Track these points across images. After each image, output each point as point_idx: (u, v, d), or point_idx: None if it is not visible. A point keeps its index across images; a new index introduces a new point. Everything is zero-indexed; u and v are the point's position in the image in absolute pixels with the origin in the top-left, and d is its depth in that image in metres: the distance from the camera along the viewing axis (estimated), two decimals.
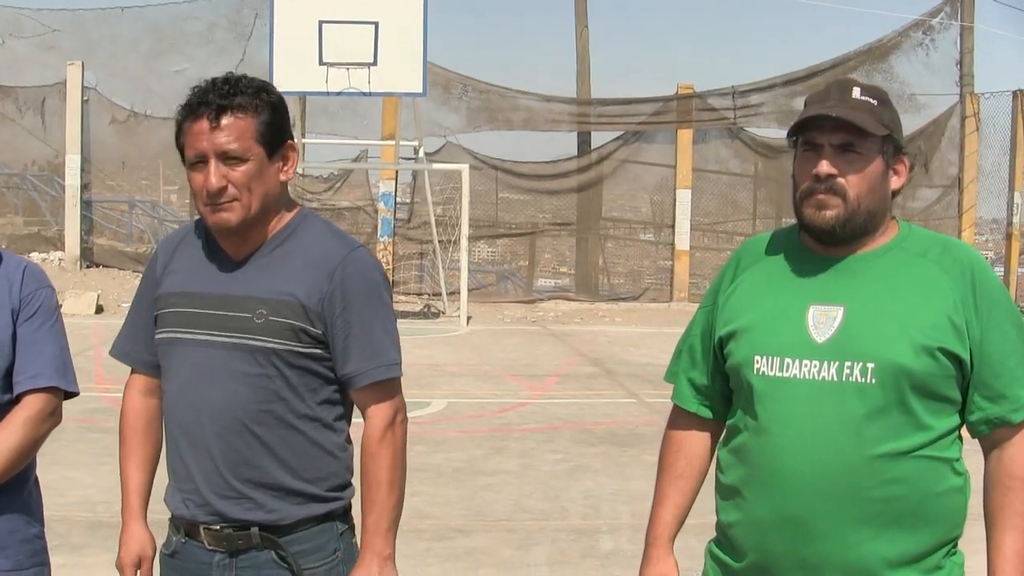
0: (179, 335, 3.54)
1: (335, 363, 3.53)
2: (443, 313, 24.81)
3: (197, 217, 3.67)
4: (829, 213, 3.15)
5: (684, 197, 28.66)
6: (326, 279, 3.48)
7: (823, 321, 3.15)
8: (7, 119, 29.72)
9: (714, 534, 3.44)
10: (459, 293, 24.25)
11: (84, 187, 29.02)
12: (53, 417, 3.85)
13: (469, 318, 23.71)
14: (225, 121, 3.40)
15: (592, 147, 29.42)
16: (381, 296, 3.60)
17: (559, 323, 24.28)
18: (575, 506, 9.52)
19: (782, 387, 3.13)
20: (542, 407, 14.27)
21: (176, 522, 3.63)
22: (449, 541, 8.39)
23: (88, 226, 29.43)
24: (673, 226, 28.85)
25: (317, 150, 30.39)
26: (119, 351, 3.79)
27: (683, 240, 28.62)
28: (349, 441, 3.64)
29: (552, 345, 20.76)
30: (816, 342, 3.13)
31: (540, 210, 30.03)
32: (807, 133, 3.18)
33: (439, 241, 26.10)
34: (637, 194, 30.94)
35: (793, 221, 3.33)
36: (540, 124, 29.22)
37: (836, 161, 3.14)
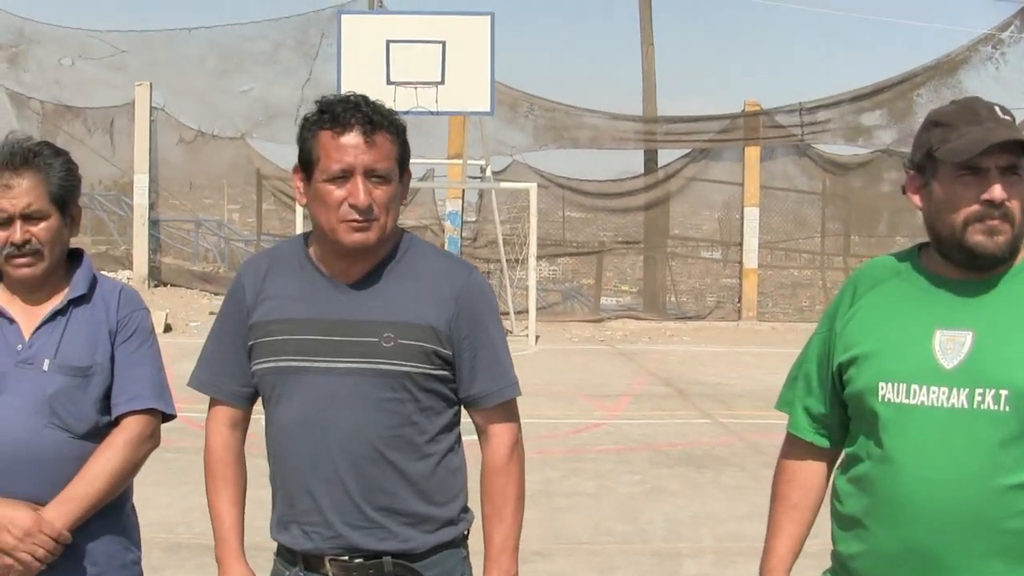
0: (295, 363, 3.42)
1: (459, 384, 3.49)
2: (511, 332, 24.70)
3: (281, 242, 3.61)
4: (1001, 239, 3.02)
5: (752, 215, 28.46)
6: (452, 301, 3.43)
7: (951, 347, 3.03)
8: (76, 139, 29.94)
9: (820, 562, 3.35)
10: (527, 312, 24.17)
11: (151, 206, 29.22)
12: (152, 439, 3.83)
13: (537, 337, 23.62)
14: (378, 139, 3.33)
15: (659, 165, 29.30)
16: (498, 316, 3.61)
17: (627, 342, 24.16)
18: (655, 529, 9.39)
19: (909, 415, 3.02)
20: (616, 427, 14.17)
21: (290, 556, 3.53)
22: (531, 565, 8.26)
23: (155, 245, 29.62)
24: (741, 244, 28.65)
25: None
26: (201, 382, 3.65)
27: (751, 258, 28.42)
28: (464, 463, 3.60)
29: (622, 364, 20.65)
30: (944, 368, 3.01)
31: (606, 228, 29.93)
32: (963, 156, 3.04)
33: (506, 260, 26.03)
34: (701, 212, 30.80)
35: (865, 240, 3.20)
36: (606, 142, 29.13)
37: (1004, 184, 3.02)
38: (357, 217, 3.32)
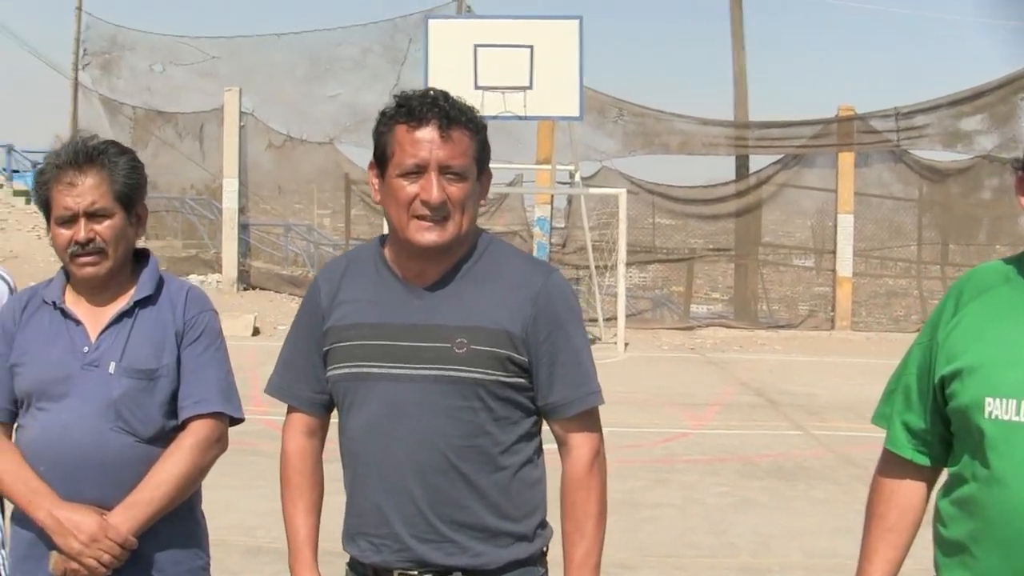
0: (366, 369, 3.30)
1: (537, 392, 3.33)
2: (599, 340, 24.51)
3: (360, 245, 3.52)
4: None
5: (846, 222, 28.00)
6: (529, 304, 3.28)
7: None
8: (167, 144, 30.26)
9: None
10: (616, 319, 23.94)
11: (241, 211, 29.39)
12: (219, 443, 3.79)
13: (626, 344, 23.39)
14: (455, 135, 3.21)
15: (750, 171, 28.97)
16: (581, 320, 3.45)
17: (718, 350, 23.84)
18: (744, 542, 9.15)
19: (1019, 433, 2.77)
20: (704, 438, 13.90)
21: (361, 568, 3.40)
22: None
23: (245, 249, 29.82)
24: (834, 252, 28.21)
25: None
26: (277, 388, 3.56)
27: (845, 266, 27.96)
28: (544, 475, 3.44)
29: (712, 373, 20.37)
30: None
31: (696, 235, 29.67)
32: None
33: (595, 266, 25.84)
34: (793, 219, 30.37)
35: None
36: (697, 148, 28.85)
37: None
38: (429, 214, 3.20)
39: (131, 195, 3.70)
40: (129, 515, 3.56)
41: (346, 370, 3.34)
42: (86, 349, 3.67)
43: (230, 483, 9.96)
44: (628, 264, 26.45)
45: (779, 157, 28.73)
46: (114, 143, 3.78)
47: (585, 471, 3.33)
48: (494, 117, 21.81)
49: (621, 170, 28.67)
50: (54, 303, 3.76)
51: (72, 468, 3.58)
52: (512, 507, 3.31)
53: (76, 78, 31.29)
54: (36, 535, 3.61)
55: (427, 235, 3.21)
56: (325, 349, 3.40)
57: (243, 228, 29.79)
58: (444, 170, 3.19)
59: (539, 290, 3.30)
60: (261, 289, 29.23)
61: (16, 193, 34.38)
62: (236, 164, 29.07)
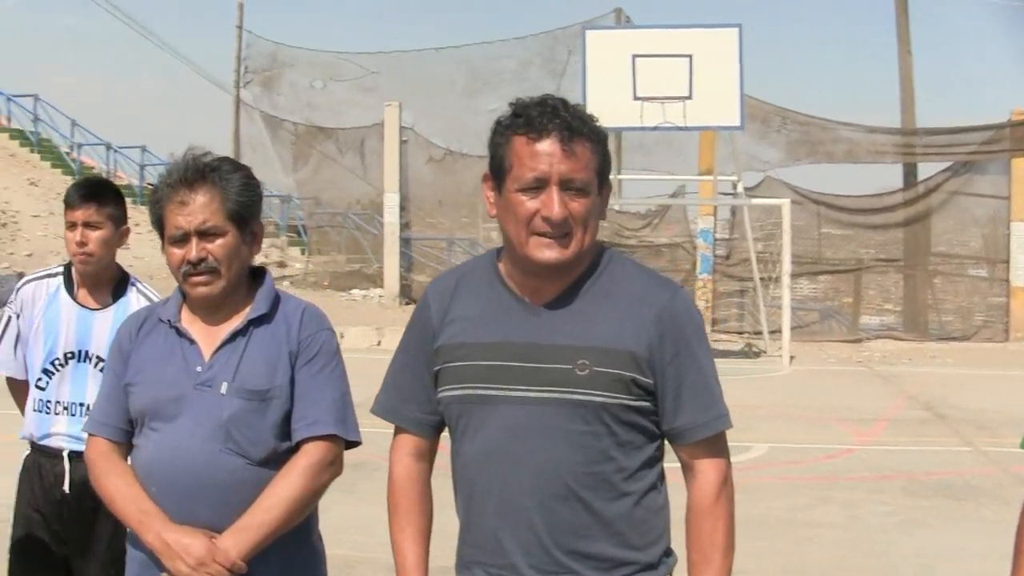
0: (482, 391, 3.16)
1: (663, 415, 3.17)
2: (764, 352, 24.13)
3: (472, 259, 3.40)
4: None
5: (1020, 230, 27.19)
6: (653, 323, 3.12)
7: None
8: (328, 159, 30.63)
9: None
10: (781, 332, 23.51)
11: (404, 225, 29.58)
12: (333, 467, 3.67)
13: (792, 358, 23.01)
14: (577, 147, 3.04)
15: (918, 179, 28.29)
16: (707, 340, 3.26)
17: (886, 363, 23.25)
18: (907, 565, 8.79)
19: None
20: (869, 454, 13.48)
21: None
22: None
23: (407, 263, 30.00)
24: (1008, 261, 27.37)
25: (634, 186, 30.17)
26: (384, 409, 3.42)
27: (1020, 276, 27.13)
28: (667, 501, 3.26)
29: (879, 387, 19.83)
30: None
31: (864, 245, 29.09)
32: None
33: (760, 278, 25.45)
34: (966, 228, 29.53)
35: None
36: (863, 156, 28.32)
37: None
38: (550, 231, 3.05)
39: (244, 213, 3.64)
40: (239, 539, 3.48)
41: (459, 392, 3.20)
42: (199, 368, 3.61)
43: (379, 498, 9.90)
44: (794, 276, 26.02)
45: (948, 164, 28.00)
46: (228, 159, 3.72)
47: (712, 499, 3.16)
48: (654, 128, 21.70)
49: (785, 180, 28.28)
50: (169, 321, 3.71)
51: (183, 490, 3.53)
52: (636, 535, 3.15)
53: (238, 95, 31.86)
54: (148, 556, 3.55)
55: (547, 252, 3.06)
56: (436, 369, 3.27)
57: (405, 242, 30.00)
58: (565, 185, 3.04)
59: (664, 308, 3.13)
60: None
61: None
62: (397, 178, 29.31)
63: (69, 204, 5.04)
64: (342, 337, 23.73)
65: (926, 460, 13.10)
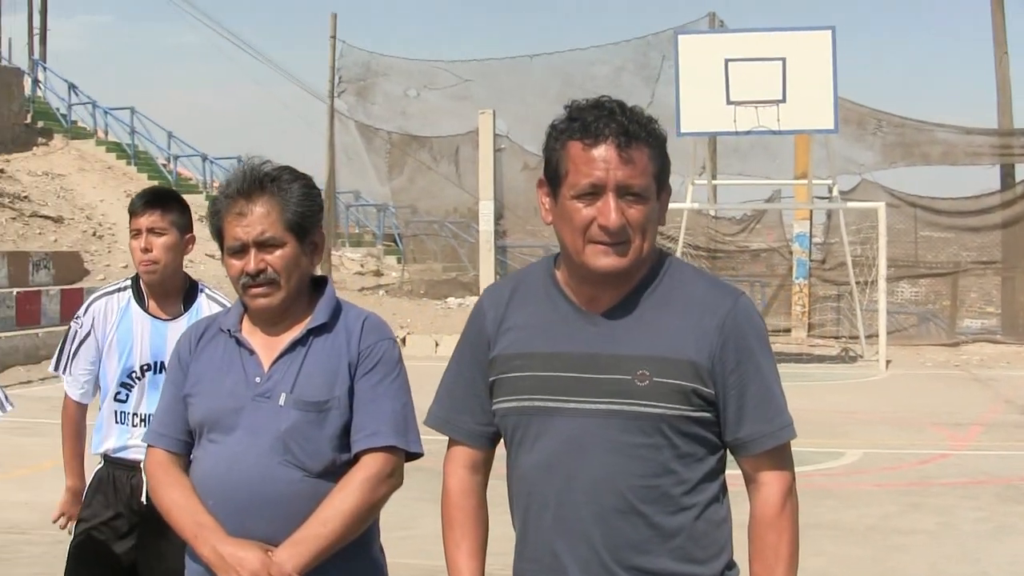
0: (540, 403, 3.08)
1: (725, 426, 3.09)
2: (861, 357, 23.86)
3: (528, 265, 3.32)
4: None
5: None
6: (715, 331, 3.03)
7: None
8: (423, 168, 30.75)
9: None
10: (877, 336, 23.27)
11: (500, 233, 29.62)
12: (392, 479, 3.60)
13: (888, 362, 22.71)
14: (634, 152, 2.96)
15: (1017, 180, 27.81)
16: (770, 348, 3.16)
17: (984, 367, 22.89)
18: (1000, 573, 8.70)
19: None
20: (964, 459, 13.30)
21: None
22: None
23: (503, 271, 30.05)
24: None
25: (729, 191, 30.01)
26: (438, 420, 3.34)
27: None
28: (729, 513, 3.21)
29: (976, 391, 19.55)
30: None
31: (964, 248, 28.66)
32: None
33: (856, 282, 25.18)
34: None
35: None
36: (959, 158, 27.94)
37: None
38: (607, 239, 2.97)
39: (304, 223, 3.59)
40: (295, 552, 3.44)
41: (515, 403, 3.14)
42: (258, 380, 3.59)
43: None
44: (894, 279, 25.75)
45: None
46: (288, 168, 3.66)
47: (776, 511, 3.08)
48: (747, 132, 21.57)
49: (881, 182, 27.98)
50: (229, 331, 3.69)
51: (240, 503, 3.50)
52: (697, 550, 3.07)
53: (332, 105, 32.06)
54: (206, 570, 3.51)
55: (604, 259, 2.98)
56: (492, 379, 3.20)
57: (501, 250, 30.05)
58: (622, 191, 2.95)
59: (726, 316, 3.05)
60: None
61: None
62: (491, 186, 29.35)
63: (133, 212, 5.07)
64: (437, 345, 23.91)
65: (1022, 465, 12.91)
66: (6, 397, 4.40)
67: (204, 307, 5.17)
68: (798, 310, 27.93)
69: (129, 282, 5.24)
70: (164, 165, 38.56)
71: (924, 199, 28.18)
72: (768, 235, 30.70)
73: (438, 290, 30.94)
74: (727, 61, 21.16)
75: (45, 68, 42.31)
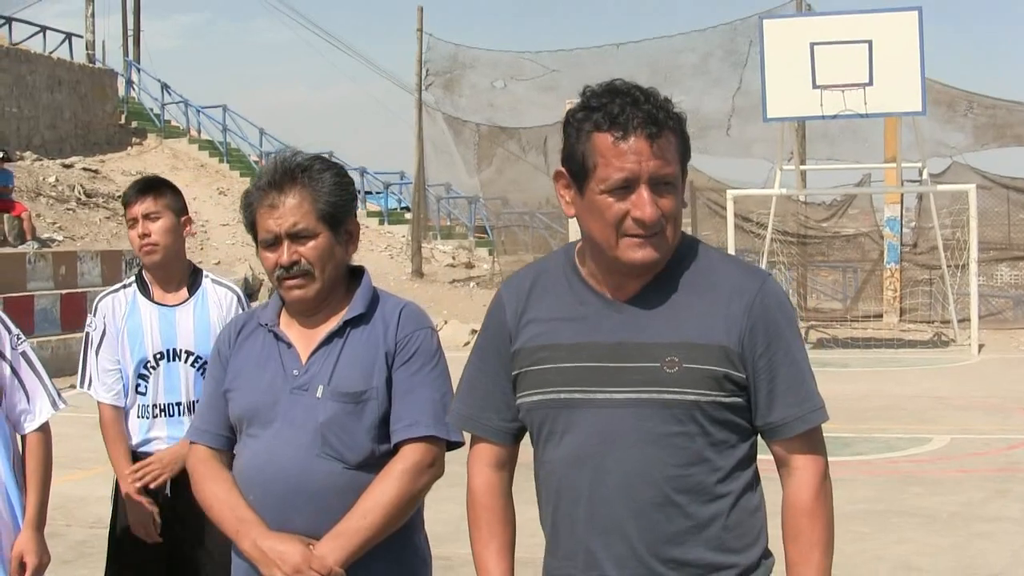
0: (567, 395, 3.00)
1: (756, 410, 3.02)
2: (953, 342, 23.57)
3: (547, 256, 3.25)
4: None
5: None
6: (743, 314, 2.96)
7: None
8: (512, 159, 30.73)
9: None
10: (969, 320, 22.99)
11: None
12: (432, 469, 3.59)
13: (981, 347, 22.43)
14: (663, 141, 2.87)
15: None
16: (799, 330, 3.11)
17: None
18: None
19: None
20: None
21: None
22: None
23: None
24: None
25: (819, 176, 29.77)
26: (461, 417, 3.29)
27: None
28: (763, 500, 3.15)
29: None
30: None
31: None
32: None
33: (948, 266, 24.86)
34: None
35: None
36: None
37: None
38: (643, 232, 2.89)
39: (337, 213, 3.56)
40: (336, 545, 3.42)
41: (542, 396, 3.05)
42: (296, 372, 3.58)
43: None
44: (984, 262, 25.39)
45: None
46: (320, 158, 3.64)
47: (812, 496, 3.01)
48: (834, 116, 21.39)
49: (973, 165, 27.59)
50: (267, 325, 3.68)
51: (280, 497, 3.49)
52: (734, 539, 3.00)
53: (420, 98, 32.14)
54: (250, 565, 3.51)
55: (640, 252, 2.90)
56: (515, 373, 3.12)
57: None
58: (655, 182, 2.87)
59: (754, 298, 2.98)
60: None
61: (370, 214, 35.76)
62: None
63: (126, 204, 5.11)
64: None
65: None
66: (59, 395, 4.45)
67: (210, 290, 5.22)
68: (890, 295, 27.61)
69: (133, 278, 5.27)
70: (256, 162, 38.84)
71: (1018, 180, 27.73)
72: (859, 220, 30.40)
73: None
74: (812, 45, 20.99)
75: (139, 69, 42.91)
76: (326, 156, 3.73)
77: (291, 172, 3.54)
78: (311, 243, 3.53)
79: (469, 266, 34.41)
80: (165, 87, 40.44)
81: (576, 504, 3.03)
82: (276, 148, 38.84)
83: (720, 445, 2.99)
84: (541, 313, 3.10)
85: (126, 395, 5.17)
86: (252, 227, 3.61)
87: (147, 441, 5.15)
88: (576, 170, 2.96)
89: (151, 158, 36.79)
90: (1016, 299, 28.66)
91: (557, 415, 3.04)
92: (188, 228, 5.22)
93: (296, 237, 3.52)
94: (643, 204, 2.87)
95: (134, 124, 39.32)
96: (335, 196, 3.57)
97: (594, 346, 3.00)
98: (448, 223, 39.36)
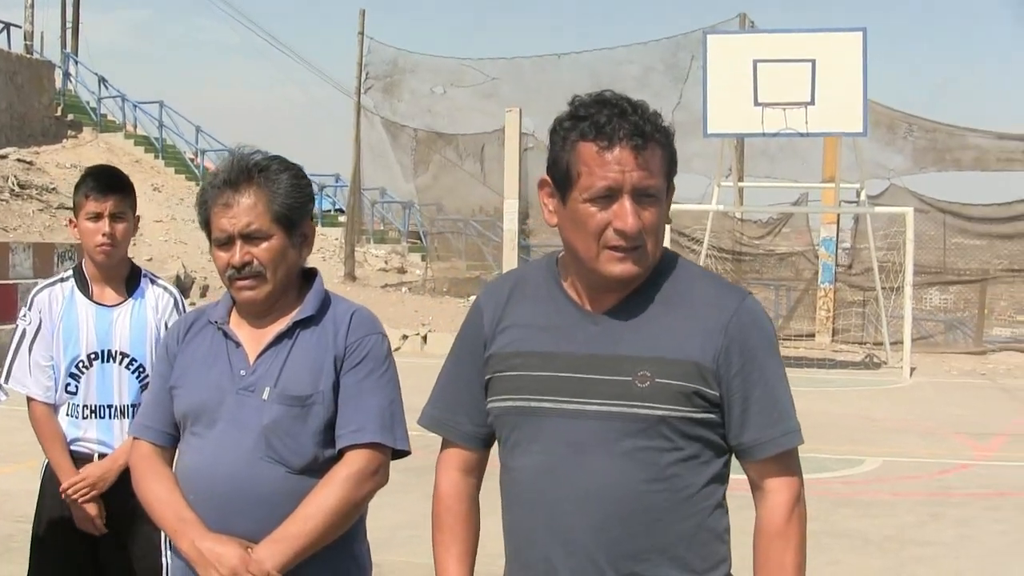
0: (537, 403, 2.95)
1: (729, 430, 2.95)
2: (885, 364, 23.63)
3: (528, 263, 3.22)
4: None
5: None
6: (719, 332, 2.90)
7: None
8: (449, 165, 30.68)
9: None
10: (902, 343, 23.00)
11: (526, 232, 29.50)
12: (377, 476, 3.52)
13: (913, 369, 22.46)
14: (649, 154, 2.82)
15: None
16: (778, 350, 3.04)
17: (1011, 377, 22.59)
18: None
19: None
20: (987, 470, 13.05)
21: None
22: None
23: None
24: None
25: (756, 193, 29.78)
26: (432, 420, 3.21)
27: None
28: (729, 524, 3.05)
29: (1002, 401, 19.24)
30: None
31: (995, 255, 28.34)
32: None
33: (882, 288, 24.94)
34: None
35: None
36: (992, 164, 27.68)
37: None
38: (624, 244, 2.84)
39: (292, 215, 3.50)
40: (275, 550, 3.35)
41: (512, 403, 3.01)
42: (243, 372, 3.51)
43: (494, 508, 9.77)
44: (918, 286, 25.45)
45: None
46: (277, 158, 3.57)
47: (782, 520, 2.94)
48: (775, 134, 21.34)
49: (911, 188, 27.70)
50: (217, 323, 3.61)
51: (222, 499, 3.43)
52: (697, 559, 2.93)
53: (359, 101, 32.01)
54: (187, 565, 3.44)
55: (620, 267, 2.86)
56: (487, 378, 3.08)
57: (525, 249, 29.93)
58: (638, 193, 2.82)
59: (731, 316, 2.92)
60: None
61: None
62: (517, 185, 29.19)
63: (93, 195, 4.90)
64: None
65: None
66: (1, 386, 4.36)
67: (149, 293, 5.07)
68: (823, 315, 27.70)
69: (71, 272, 5.09)
70: (191, 159, 38.74)
71: (954, 205, 27.94)
72: (794, 239, 30.53)
73: (461, 288, 30.84)
74: (756, 62, 20.93)
75: (77, 62, 42.58)
76: (284, 157, 3.64)
77: (248, 171, 3.50)
78: (264, 244, 3.48)
79: (401, 271, 34.40)
80: (103, 81, 40.24)
81: (538, 515, 2.98)
82: (213, 146, 38.81)
83: (691, 460, 2.92)
84: (518, 319, 3.07)
85: (56, 392, 5.00)
86: (207, 225, 3.54)
87: (74, 441, 4.98)
88: (560, 178, 2.91)
89: (86, 151, 36.51)
90: (947, 323, 28.82)
91: (525, 423, 2.99)
92: (136, 228, 5.12)
93: (249, 238, 3.46)
94: (625, 215, 2.82)
95: (70, 117, 38.99)
96: (291, 198, 3.51)
97: (568, 356, 2.95)
98: (382, 227, 39.38)
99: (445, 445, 3.24)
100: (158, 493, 3.53)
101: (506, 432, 3.05)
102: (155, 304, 5.05)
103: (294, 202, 3.50)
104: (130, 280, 5.07)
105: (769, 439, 2.93)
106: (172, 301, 5.12)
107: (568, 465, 2.91)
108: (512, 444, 3.03)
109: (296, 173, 3.55)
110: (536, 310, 3.04)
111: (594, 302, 2.97)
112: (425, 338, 23.56)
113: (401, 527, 8.58)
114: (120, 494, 4.71)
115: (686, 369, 2.87)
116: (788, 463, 2.98)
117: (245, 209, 3.44)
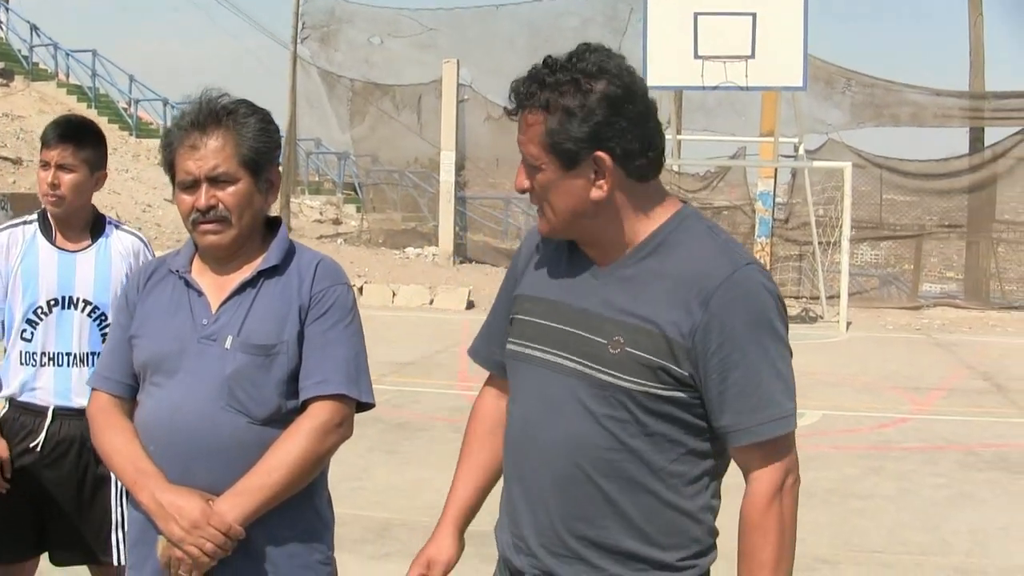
0: (529, 350, 2.98)
1: (709, 412, 2.83)
2: (821, 318, 23.73)
3: None
4: None
5: None
6: (699, 305, 2.76)
7: None
8: (385, 117, 30.47)
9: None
10: (839, 297, 23.13)
11: (462, 184, 29.40)
12: (341, 428, 3.47)
13: (849, 324, 22.60)
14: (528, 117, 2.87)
15: (986, 144, 27.62)
16: (773, 328, 2.82)
17: (945, 332, 22.74)
18: (959, 540, 8.51)
19: None
20: (924, 424, 13.12)
21: (504, 563, 3.12)
22: (814, 573, 7.54)
23: (463, 222, 29.84)
24: None
25: (693, 147, 29.84)
26: (475, 351, 3.34)
27: None
28: (717, 497, 2.98)
29: (937, 356, 19.39)
30: None
31: (928, 212, 28.49)
32: None
33: (819, 243, 25.06)
34: None
35: None
36: (928, 120, 27.73)
37: None
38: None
39: (259, 159, 3.43)
40: (237, 502, 3.30)
41: (511, 346, 3.06)
42: (205, 322, 3.44)
43: (429, 461, 9.76)
44: (857, 241, 25.59)
45: (1018, 129, 27.27)
46: (245, 102, 3.49)
47: (761, 509, 2.81)
48: (714, 88, 21.33)
49: (848, 143, 27.76)
50: (178, 272, 3.53)
51: (182, 450, 3.36)
52: (659, 533, 2.87)
53: (295, 51, 31.72)
54: (146, 517, 3.38)
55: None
56: (510, 317, 3.11)
57: (461, 201, 29.84)
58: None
59: (716, 288, 2.76)
60: (478, 262, 29.23)
61: None
62: (454, 137, 29.10)
63: (45, 143, 4.80)
64: (394, 295, 23.67)
65: (983, 431, 12.75)
66: None
67: (114, 238, 4.93)
68: None
69: (36, 215, 4.95)
70: (125, 109, 38.32)
71: (891, 160, 27.95)
72: (731, 192, 30.56)
73: (397, 240, 30.69)
74: (696, 15, 20.84)
75: (8, 8, 41.96)
76: (251, 101, 3.55)
77: (216, 114, 3.43)
78: (231, 188, 3.41)
79: (337, 222, 34.24)
80: (35, 28, 39.73)
81: (514, 467, 3.06)
82: (146, 96, 38.40)
83: (656, 437, 2.84)
84: (541, 264, 3.08)
85: (7, 338, 4.87)
86: (171, 167, 3.47)
87: (33, 389, 4.82)
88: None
89: (18, 100, 36.05)
90: (883, 278, 29.01)
91: (519, 367, 3.05)
92: (101, 183, 4.95)
93: (215, 181, 3.40)
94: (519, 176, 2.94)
95: (1, 65, 38.38)
96: (259, 142, 3.45)
97: (565, 307, 2.94)
98: (317, 179, 39.07)
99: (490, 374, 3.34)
100: (116, 445, 3.46)
101: (509, 375, 3.12)
102: (121, 250, 4.92)
103: (262, 146, 3.44)
104: (95, 228, 4.93)
105: (746, 427, 2.79)
106: (141, 245, 5.01)
107: (539, 415, 2.93)
108: (511, 387, 3.10)
109: (263, 117, 3.49)
110: (557, 257, 3.03)
111: (602, 256, 2.93)
112: (361, 289, 23.40)
113: (344, 479, 8.53)
114: (69, 452, 4.72)
115: (656, 343, 2.77)
116: (771, 451, 2.82)
117: (212, 151, 3.37)
